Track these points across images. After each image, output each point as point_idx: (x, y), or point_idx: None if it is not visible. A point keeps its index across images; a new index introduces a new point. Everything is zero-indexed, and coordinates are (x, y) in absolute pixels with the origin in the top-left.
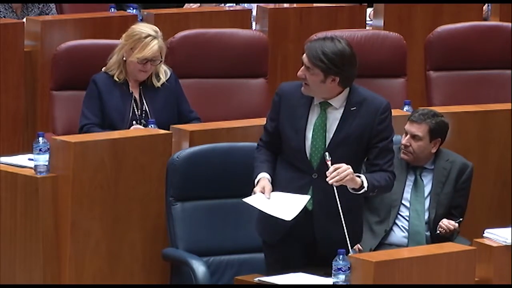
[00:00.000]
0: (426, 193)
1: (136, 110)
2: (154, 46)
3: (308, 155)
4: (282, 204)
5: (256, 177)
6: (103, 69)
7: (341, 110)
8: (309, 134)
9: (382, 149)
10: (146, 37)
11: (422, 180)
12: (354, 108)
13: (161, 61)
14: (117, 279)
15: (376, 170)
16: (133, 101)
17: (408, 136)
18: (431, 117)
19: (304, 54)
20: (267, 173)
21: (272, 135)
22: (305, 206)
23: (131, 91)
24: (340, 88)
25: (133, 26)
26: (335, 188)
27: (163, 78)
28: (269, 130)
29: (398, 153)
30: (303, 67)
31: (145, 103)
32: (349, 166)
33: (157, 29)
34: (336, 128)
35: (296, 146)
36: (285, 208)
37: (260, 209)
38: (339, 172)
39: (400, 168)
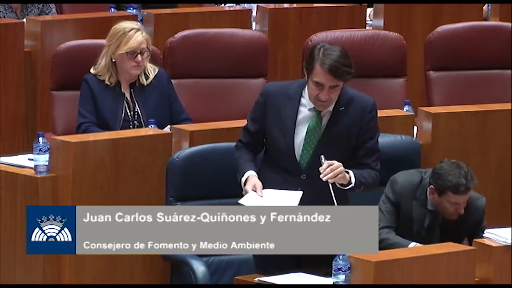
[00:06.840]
0: None
1: (128, 112)
2: (138, 36)
3: (297, 156)
4: (278, 201)
5: (243, 176)
6: (91, 71)
7: (330, 111)
8: (298, 136)
9: (370, 148)
10: (129, 30)
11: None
12: (343, 108)
13: (149, 52)
14: (117, 279)
15: (364, 169)
16: (125, 102)
17: (460, 204)
18: (472, 180)
19: (326, 77)
20: (254, 171)
21: (254, 136)
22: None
23: (123, 92)
24: None
25: (114, 27)
26: (331, 187)
27: (151, 76)
28: (252, 131)
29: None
30: (325, 90)
31: (137, 105)
32: (341, 164)
33: (138, 23)
34: (325, 129)
35: (284, 148)
36: (283, 204)
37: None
38: (333, 169)
39: (420, 212)
